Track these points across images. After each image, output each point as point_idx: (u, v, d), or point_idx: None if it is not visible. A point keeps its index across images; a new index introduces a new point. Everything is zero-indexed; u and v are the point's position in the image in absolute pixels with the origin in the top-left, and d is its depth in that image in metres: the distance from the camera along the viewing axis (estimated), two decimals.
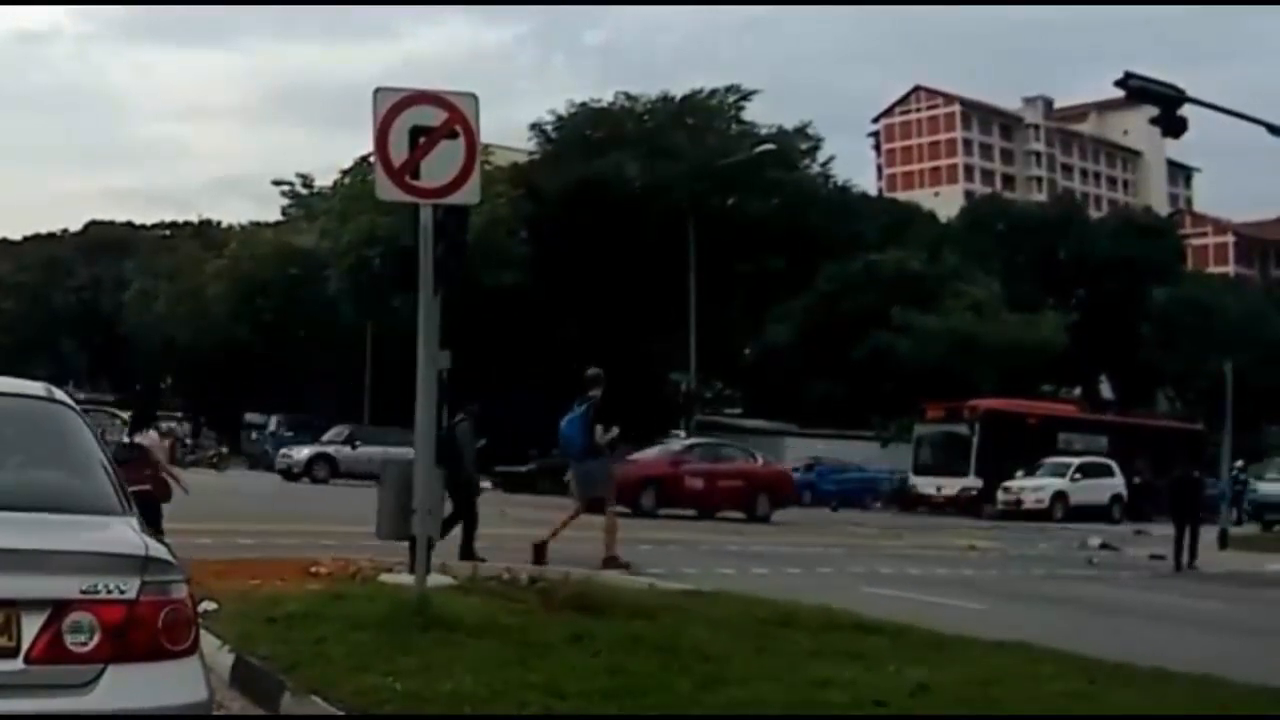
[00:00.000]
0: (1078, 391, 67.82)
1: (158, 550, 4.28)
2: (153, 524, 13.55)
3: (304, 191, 65.89)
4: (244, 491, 32.04)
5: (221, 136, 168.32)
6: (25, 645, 4.04)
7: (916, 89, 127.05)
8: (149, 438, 14.05)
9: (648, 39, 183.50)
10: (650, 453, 32.58)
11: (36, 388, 5.25)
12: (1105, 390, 70.97)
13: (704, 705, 7.05)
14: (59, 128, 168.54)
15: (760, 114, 56.56)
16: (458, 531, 15.22)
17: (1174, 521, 22.68)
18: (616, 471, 17.37)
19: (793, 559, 19.13)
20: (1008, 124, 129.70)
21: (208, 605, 8.75)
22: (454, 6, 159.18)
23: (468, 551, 15.12)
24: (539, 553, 15.40)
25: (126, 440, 14.13)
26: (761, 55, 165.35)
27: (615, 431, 16.82)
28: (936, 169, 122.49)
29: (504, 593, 11.08)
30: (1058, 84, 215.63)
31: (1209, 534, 30.60)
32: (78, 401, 5.44)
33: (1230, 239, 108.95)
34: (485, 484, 19.25)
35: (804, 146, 56.61)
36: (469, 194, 9.66)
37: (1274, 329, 61.93)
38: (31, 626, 4.05)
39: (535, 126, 55.72)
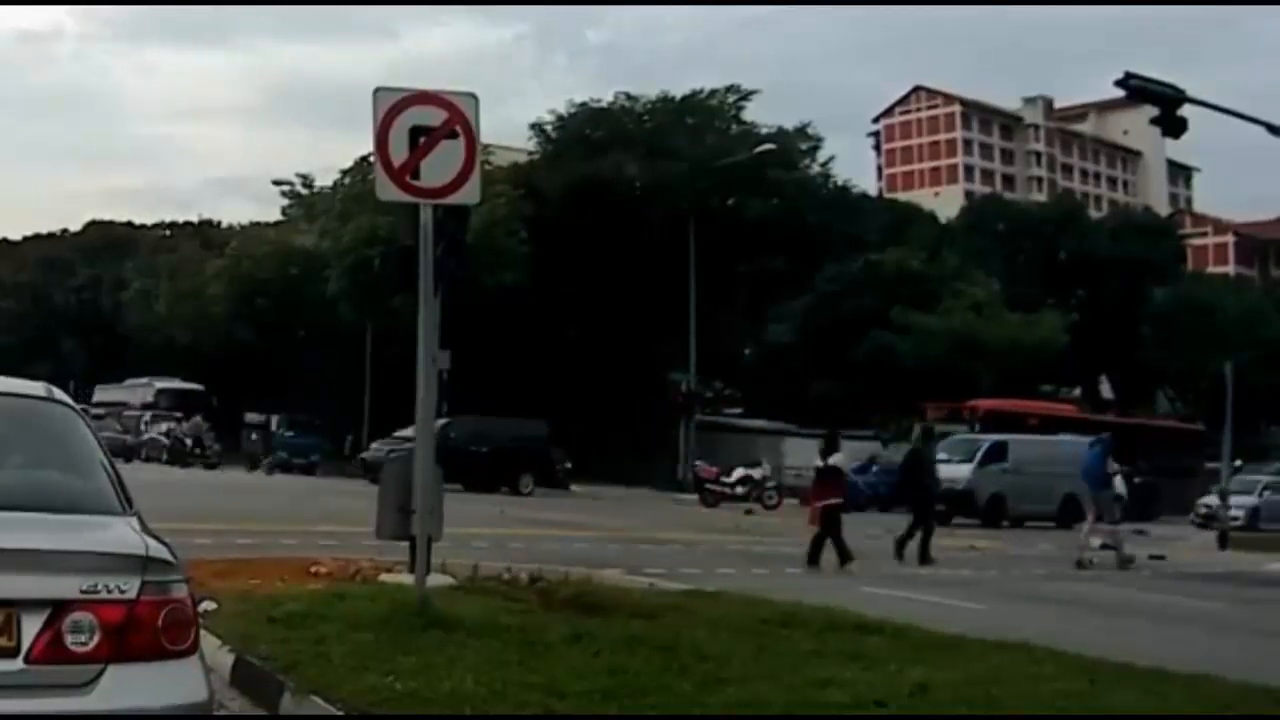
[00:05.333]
0: (1078, 391, 67.80)
1: (158, 550, 4.28)
2: (837, 532, 16.89)
3: (304, 191, 65.78)
4: (253, 490, 32.01)
5: (221, 136, 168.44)
6: (25, 645, 4.03)
7: (916, 89, 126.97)
8: (839, 459, 18.71)
9: (648, 39, 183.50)
10: None
11: (36, 388, 5.25)
12: (1105, 390, 70.95)
13: (704, 705, 7.06)
14: (59, 128, 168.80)
15: (760, 114, 56.67)
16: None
17: None
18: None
19: (793, 559, 19.12)
20: (1008, 124, 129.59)
21: (208, 605, 8.76)
22: (454, 6, 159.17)
23: (925, 556, 19.38)
24: (1081, 563, 20.92)
25: (821, 463, 18.75)
26: (761, 55, 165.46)
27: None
28: (936, 169, 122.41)
29: (504, 593, 11.09)
30: (1058, 84, 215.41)
31: (1209, 534, 30.70)
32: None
33: (1230, 239, 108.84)
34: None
35: (804, 146, 56.60)
36: (469, 194, 9.67)
37: (1274, 329, 61.90)
38: (32, 626, 4.05)
39: (535, 126, 55.85)
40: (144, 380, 55.67)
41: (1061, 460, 36.10)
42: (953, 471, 35.69)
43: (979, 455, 36.80)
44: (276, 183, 68.38)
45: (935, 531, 20.39)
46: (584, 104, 55.46)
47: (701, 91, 55.75)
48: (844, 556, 18.09)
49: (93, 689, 4.06)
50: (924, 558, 19.40)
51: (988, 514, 35.31)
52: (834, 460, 18.68)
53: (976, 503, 35.57)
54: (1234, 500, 38.92)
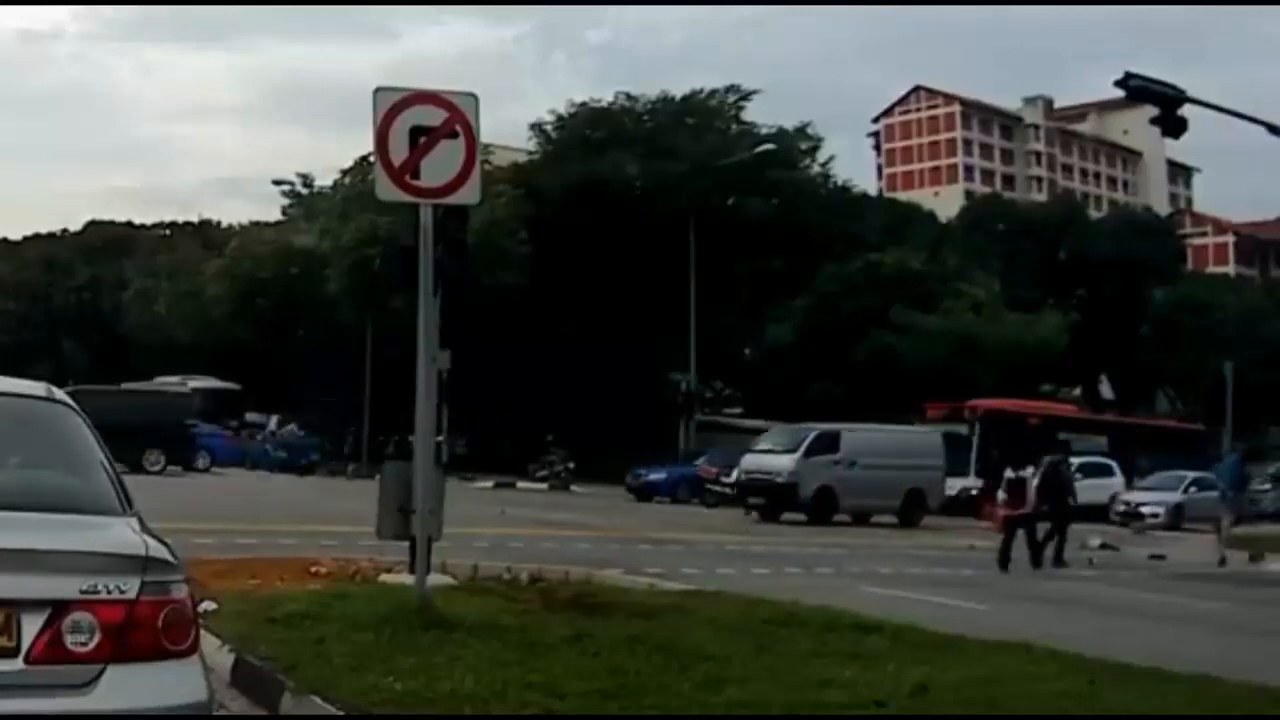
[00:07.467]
0: (1078, 391, 67.81)
1: (158, 550, 4.28)
2: (1011, 538, 21.15)
3: (304, 191, 65.75)
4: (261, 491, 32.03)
5: (221, 136, 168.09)
6: (25, 645, 4.03)
7: (916, 89, 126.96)
8: (1024, 473, 21.13)
9: (648, 39, 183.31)
10: None
11: (36, 388, 5.24)
12: (1105, 390, 70.97)
13: (704, 705, 7.06)
14: (59, 128, 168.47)
15: (760, 114, 56.62)
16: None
17: None
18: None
19: (793, 559, 19.14)
20: (1008, 124, 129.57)
21: (208, 605, 8.76)
22: (454, 6, 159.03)
23: (1059, 559, 21.47)
24: (1222, 561, 23.47)
25: (1011, 474, 21.18)
26: (761, 55, 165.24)
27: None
28: (936, 169, 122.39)
29: (504, 593, 11.10)
30: (1058, 84, 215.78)
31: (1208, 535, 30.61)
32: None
33: (1230, 239, 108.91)
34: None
35: (804, 146, 56.55)
36: (469, 194, 9.67)
37: (1274, 329, 61.92)
38: (31, 626, 4.04)
39: (535, 126, 55.83)
40: (176, 379, 54.62)
41: (905, 452, 33.23)
42: (773, 463, 32.81)
43: (804, 445, 32.92)
44: (276, 183, 68.34)
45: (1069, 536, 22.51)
46: (584, 104, 55.46)
47: (701, 91, 55.78)
48: (1003, 560, 20.53)
49: (92, 689, 4.06)
50: (1057, 559, 21.61)
51: (814, 509, 31.81)
52: (1023, 473, 21.27)
53: (800, 496, 32.03)
54: (1154, 497, 37.59)
